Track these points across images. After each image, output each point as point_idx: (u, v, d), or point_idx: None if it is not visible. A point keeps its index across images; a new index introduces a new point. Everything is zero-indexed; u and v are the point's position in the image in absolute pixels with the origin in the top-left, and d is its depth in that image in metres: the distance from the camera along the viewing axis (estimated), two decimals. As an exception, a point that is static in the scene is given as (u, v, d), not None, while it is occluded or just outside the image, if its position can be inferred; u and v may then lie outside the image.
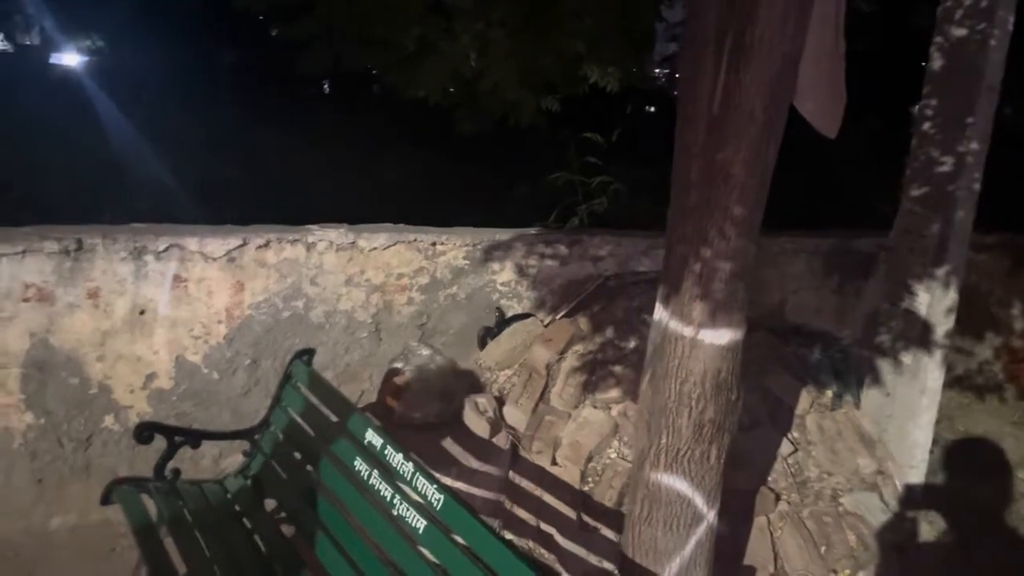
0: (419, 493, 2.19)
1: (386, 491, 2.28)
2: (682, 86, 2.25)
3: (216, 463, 3.44)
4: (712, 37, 2.10)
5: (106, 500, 2.68)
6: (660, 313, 2.30)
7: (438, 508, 2.12)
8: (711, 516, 2.38)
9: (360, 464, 2.42)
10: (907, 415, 3.71)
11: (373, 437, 2.44)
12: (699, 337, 2.18)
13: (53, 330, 3.09)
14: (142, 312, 3.22)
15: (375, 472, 2.36)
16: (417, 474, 2.22)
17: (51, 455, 3.16)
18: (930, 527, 3.59)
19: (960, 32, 3.44)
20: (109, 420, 3.25)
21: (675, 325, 2.22)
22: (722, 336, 2.17)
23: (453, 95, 5.12)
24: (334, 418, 2.69)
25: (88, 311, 3.12)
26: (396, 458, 2.32)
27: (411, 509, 2.18)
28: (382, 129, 11.36)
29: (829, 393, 3.97)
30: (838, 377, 4.03)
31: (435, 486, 2.15)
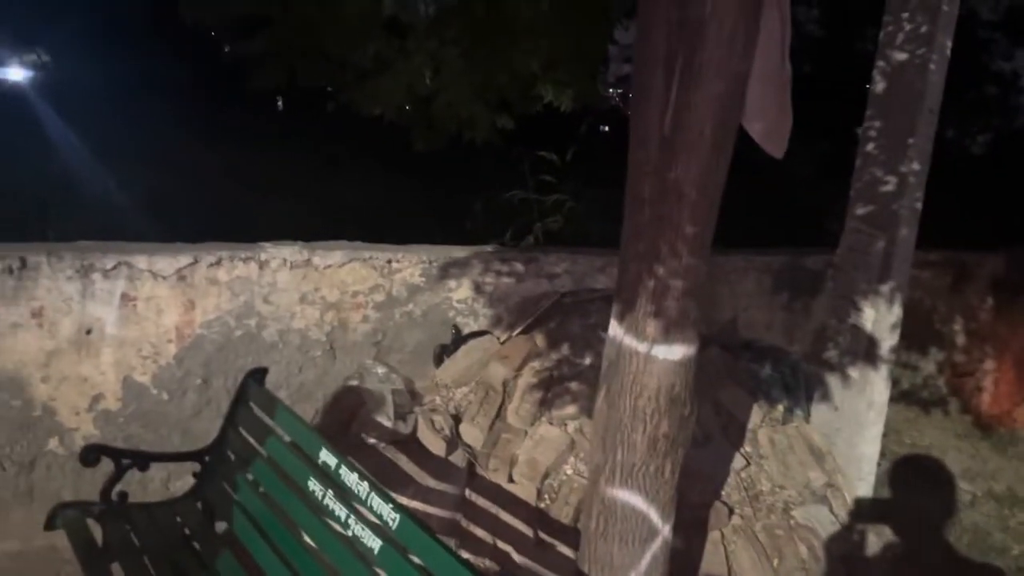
0: (374, 513, 2.17)
1: (340, 511, 2.25)
2: (634, 106, 2.29)
3: (165, 486, 3.36)
4: (662, 58, 2.15)
5: (50, 525, 2.60)
6: (615, 329, 2.32)
7: (394, 528, 2.10)
8: (666, 531, 2.40)
9: (314, 485, 2.39)
10: (855, 429, 3.79)
11: (327, 457, 2.41)
12: (653, 353, 2.20)
13: (-5, 351, 3.00)
14: (89, 332, 3.14)
15: (329, 492, 2.33)
16: (372, 494, 2.20)
17: (-9, 480, 3.07)
18: (878, 539, 3.66)
19: (901, 56, 3.56)
20: (54, 443, 3.16)
21: (630, 341, 2.24)
22: (675, 352, 2.20)
23: (408, 112, 5.13)
24: (287, 438, 2.66)
25: (32, 331, 3.04)
26: (351, 478, 2.30)
27: (366, 529, 2.16)
28: (337, 146, 11.32)
29: (780, 407, 4.04)
30: (788, 392, 4.10)
31: (391, 506, 2.13)
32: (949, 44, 3.49)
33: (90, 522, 2.62)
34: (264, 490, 2.61)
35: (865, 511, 3.75)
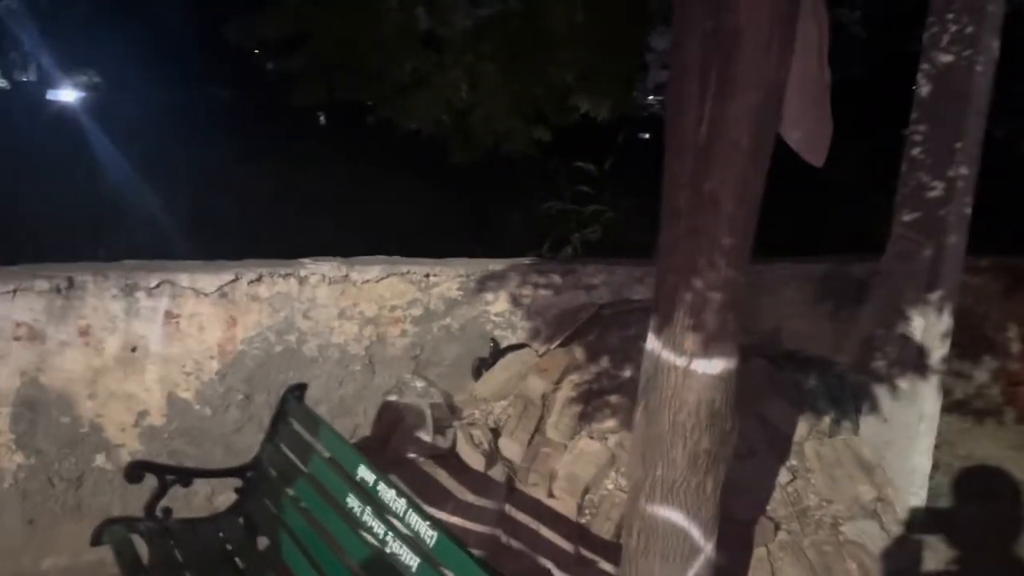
0: (412, 530, 2.17)
1: (379, 528, 2.25)
2: (669, 116, 2.26)
3: (209, 501, 3.39)
4: (696, 67, 2.12)
5: (97, 541, 2.64)
6: (652, 343, 2.29)
7: (431, 545, 2.09)
8: (709, 548, 2.34)
9: (353, 501, 2.39)
10: (906, 441, 3.69)
11: (365, 473, 2.42)
12: (692, 367, 2.16)
13: (44, 368, 3.07)
14: (134, 349, 3.20)
15: (368, 509, 2.33)
16: (410, 510, 2.20)
17: (42, 495, 3.13)
18: (932, 555, 3.55)
19: (946, 58, 3.47)
20: (101, 459, 3.22)
21: (667, 355, 2.20)
22: (715, 366, 2.16)
23: (445, 126, 5.15)
24: (327, 453, 2.67)
25: (79, 349, 3.11)
26: (388, 494, 2.30)
27: (404, 546, 2.15)
28: (377, 161, 11.43)
29: (827, 419, 3.95)
30: (835, 403, 4.01)
31: (428, 523, 2.12)
32: (996, 45, 3.39)
33: (135, 538, 2.66)
34: (305, 506, 2.63)
35: (918, 526, 3.64)
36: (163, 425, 3.30)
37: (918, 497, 3.70)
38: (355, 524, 2.36)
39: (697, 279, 2.11)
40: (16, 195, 8.17)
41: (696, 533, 2.31)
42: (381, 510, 2.29)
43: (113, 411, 3.21)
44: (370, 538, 2.27)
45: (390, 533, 2.21)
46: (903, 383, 3.69)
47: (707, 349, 2.14)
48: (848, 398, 4.03)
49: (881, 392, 3.81)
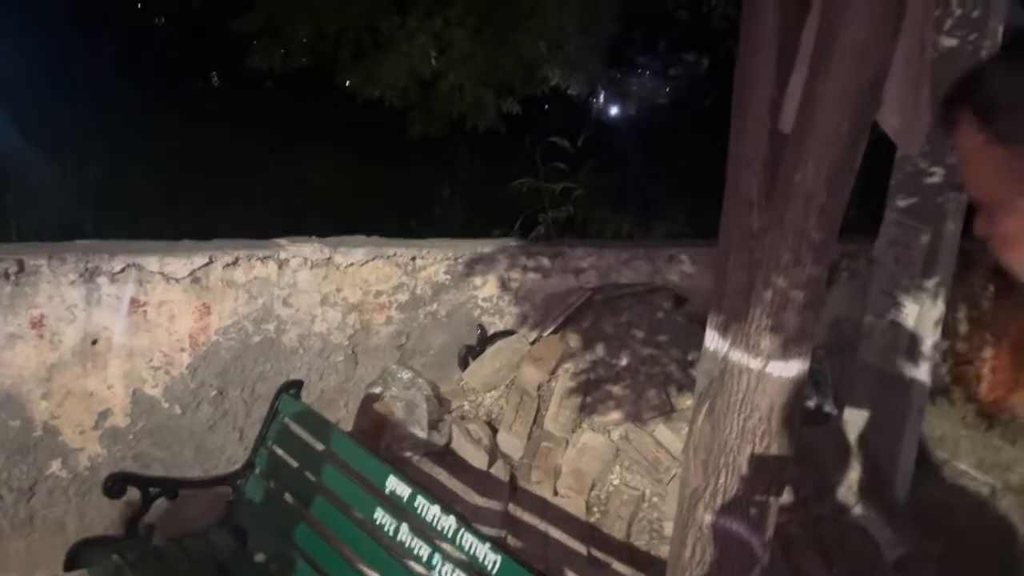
0: (466, 553, 1.95)
1: (422, 550, 2.03)
2: (737, 93, 2.09)
3: (178, 507, 3.06)
4: (773, 38, 1.97)
5: (71, 565, 2.31)
6: (717, 343, 2.13)
7: (494, 571, 1.88)
8: (766, 558, 2.22)
9: (383, 517, 2.15)
10: (895, 427, 3.69)
11: (397, 486, 2.17)
12: (767, 370, 2.01)
13: (-11, 366, 2.66)
14: (94, 342, 2.82)
15: (404, 526, 2.10)
16: (461, 530, 1.98)
17: (-12, 509, 2.73)
18: (922, 539, 3.58)
19: (950, 42, 3.42)
20: (56, 466, 2.83)
21: (739, 357, 2.05)
22: (791, 368, 2.02)
23: (408, 96, 4.82)
24: (339, 460, 2.40)
25: (32, 342, 2.70)
26: (431, 511, 2.07)
27: (458, 570, 1.93)
28: (303, 129, 10.77)
29: (809, 405, 3.92)
30: (818, 388, 3.99)
31: (488, 545, 1.91)
32: (1001, 28, 3.36)
33: (115, 559, 2.34)
34: (316, 518, 2.36)
35: (905, 511, 3.66)
36: (127, 426, 2.94)
37: (905, 482, 3.72)
38: (388, 543, 2.12)
39: (779, 276, 1.95)
40: None
41: (756, 543, 2.18)
42: (422, 529, 2.07)
43: (71, 412, 2.82)
44: (413, 563, 2.04)
45: (437, 555, 1.99)
46: (893, 370, 3.68)
47: (785, 351, 2.00)
48: (829, 383, 4.02)
49: (869, 378, 3.79)
